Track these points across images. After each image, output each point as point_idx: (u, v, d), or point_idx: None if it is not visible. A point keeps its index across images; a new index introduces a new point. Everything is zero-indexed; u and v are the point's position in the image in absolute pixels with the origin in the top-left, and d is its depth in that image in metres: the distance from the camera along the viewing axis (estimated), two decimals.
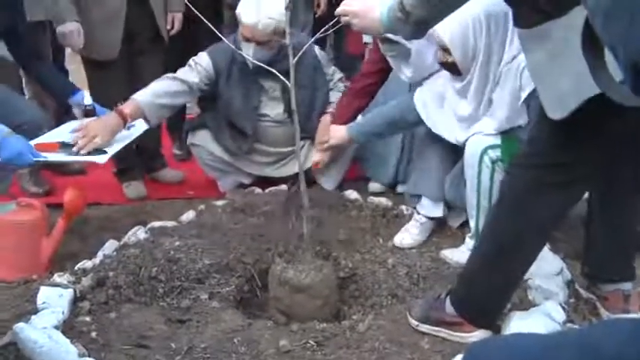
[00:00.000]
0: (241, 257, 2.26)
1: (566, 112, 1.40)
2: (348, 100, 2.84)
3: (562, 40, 1.35)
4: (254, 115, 2.94)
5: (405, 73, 2.54)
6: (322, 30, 2.03)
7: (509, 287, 1.77)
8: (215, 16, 3.37)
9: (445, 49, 2.17)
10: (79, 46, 2.86)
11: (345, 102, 2.85)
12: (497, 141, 2.17)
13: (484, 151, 2.16)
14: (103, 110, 2.60)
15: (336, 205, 2.72)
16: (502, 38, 2.12)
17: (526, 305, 1.92)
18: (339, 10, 1.74)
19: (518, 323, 1.77)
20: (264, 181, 3.04)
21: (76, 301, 1.96)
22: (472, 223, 2.27)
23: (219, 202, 2.78)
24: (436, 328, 1.83)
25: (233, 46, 2.60)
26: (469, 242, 2.30)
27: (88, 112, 2.63)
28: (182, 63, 2.85)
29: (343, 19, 1.73)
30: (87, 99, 2.67)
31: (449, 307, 1.81)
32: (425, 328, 1.84)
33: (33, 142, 2.25)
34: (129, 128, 2.59)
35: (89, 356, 1.69)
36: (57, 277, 2.06)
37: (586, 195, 1.93)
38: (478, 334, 1.77)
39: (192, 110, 3.59)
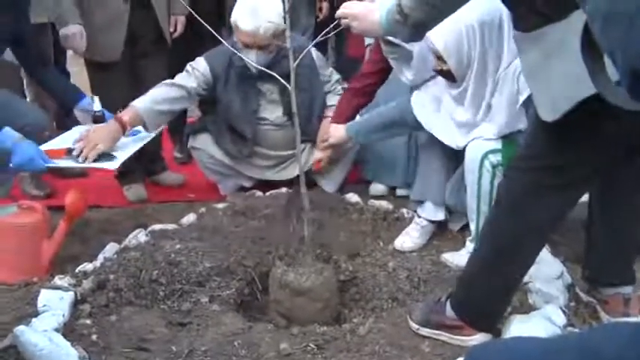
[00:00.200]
0: (242, 260, 2.26)
1: (559, 114, 1.40)
2: (347, 99, 2.84)
3: (557, 42, 1.35)
4: (253, 119, 2.95)
5: (407, 75, 2.55)
6: (323, 33, 2.03)
7: (509, 290, 1.77)
8: (218, 20, 3.38)
9: (439, 57, 2.18)
10: (81, 49, 2.87)
11: (344, 101, 2.85)
12: (498, 145, 2.17)
13: (484, 156, 2.16)
14: (111, 116, 2.60)
15: (337, 208, 2.72)
16: (497, 46, 2.13)
17: (526, 309, 1.91)
18: (339, 12, 1.74)
19: (519, 327, 1.77)
20: (265, 184, 3.04)
21: (76, 303, 1.96)
22: (472, 227, 2.27)
23: (220, 205, 2.78)
24: (436, 332, 1.82)
25: (235, 50, 2.60)
26: (470, 245, 2.30)
27: (97, 119, 2.60)
28: (185, 66, 2.85)
29: (343, 21, 1.73)
30: (96, 105, 2.64)
31: (449, 311, 1.81)
32: (425, 331, 1.84)
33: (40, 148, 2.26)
34: (129, 135, 2.59)
35: (89, 359, 1.69)
36: (58, 280, 2.06)
37: (587, 198, 1.94)
38: (478, 338, 1.77)
39: (194, 113, 3.59)
